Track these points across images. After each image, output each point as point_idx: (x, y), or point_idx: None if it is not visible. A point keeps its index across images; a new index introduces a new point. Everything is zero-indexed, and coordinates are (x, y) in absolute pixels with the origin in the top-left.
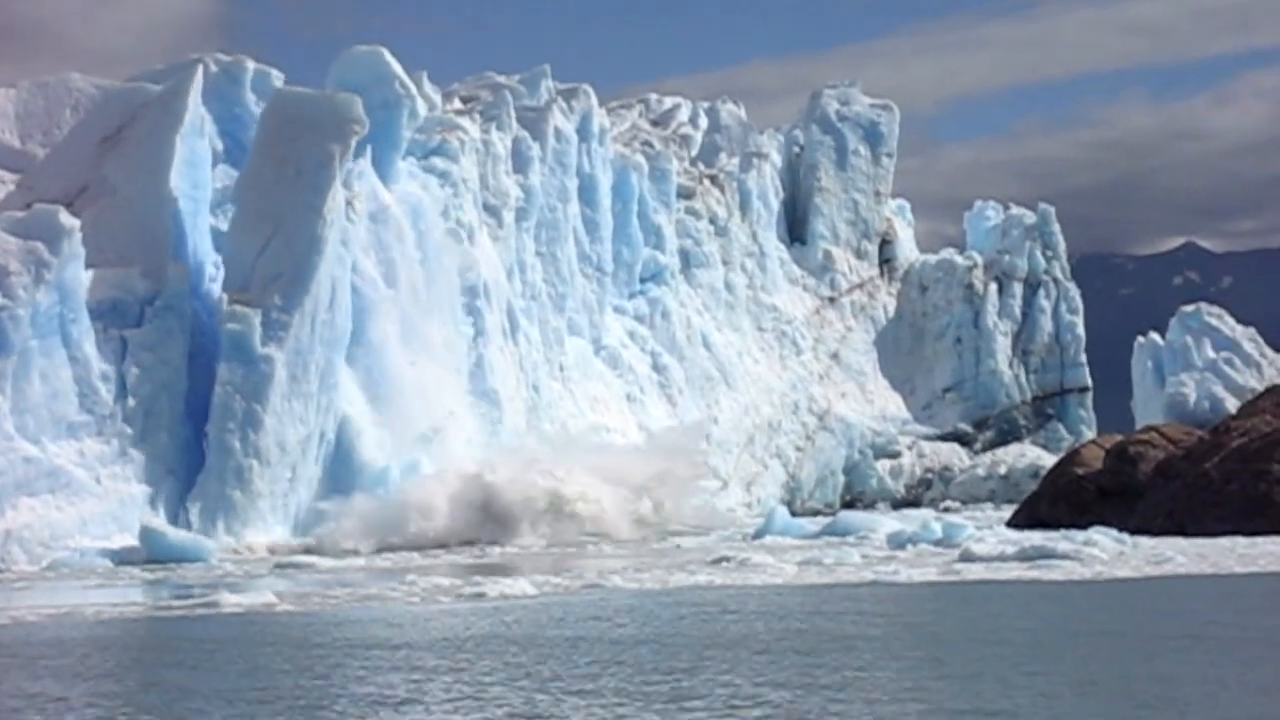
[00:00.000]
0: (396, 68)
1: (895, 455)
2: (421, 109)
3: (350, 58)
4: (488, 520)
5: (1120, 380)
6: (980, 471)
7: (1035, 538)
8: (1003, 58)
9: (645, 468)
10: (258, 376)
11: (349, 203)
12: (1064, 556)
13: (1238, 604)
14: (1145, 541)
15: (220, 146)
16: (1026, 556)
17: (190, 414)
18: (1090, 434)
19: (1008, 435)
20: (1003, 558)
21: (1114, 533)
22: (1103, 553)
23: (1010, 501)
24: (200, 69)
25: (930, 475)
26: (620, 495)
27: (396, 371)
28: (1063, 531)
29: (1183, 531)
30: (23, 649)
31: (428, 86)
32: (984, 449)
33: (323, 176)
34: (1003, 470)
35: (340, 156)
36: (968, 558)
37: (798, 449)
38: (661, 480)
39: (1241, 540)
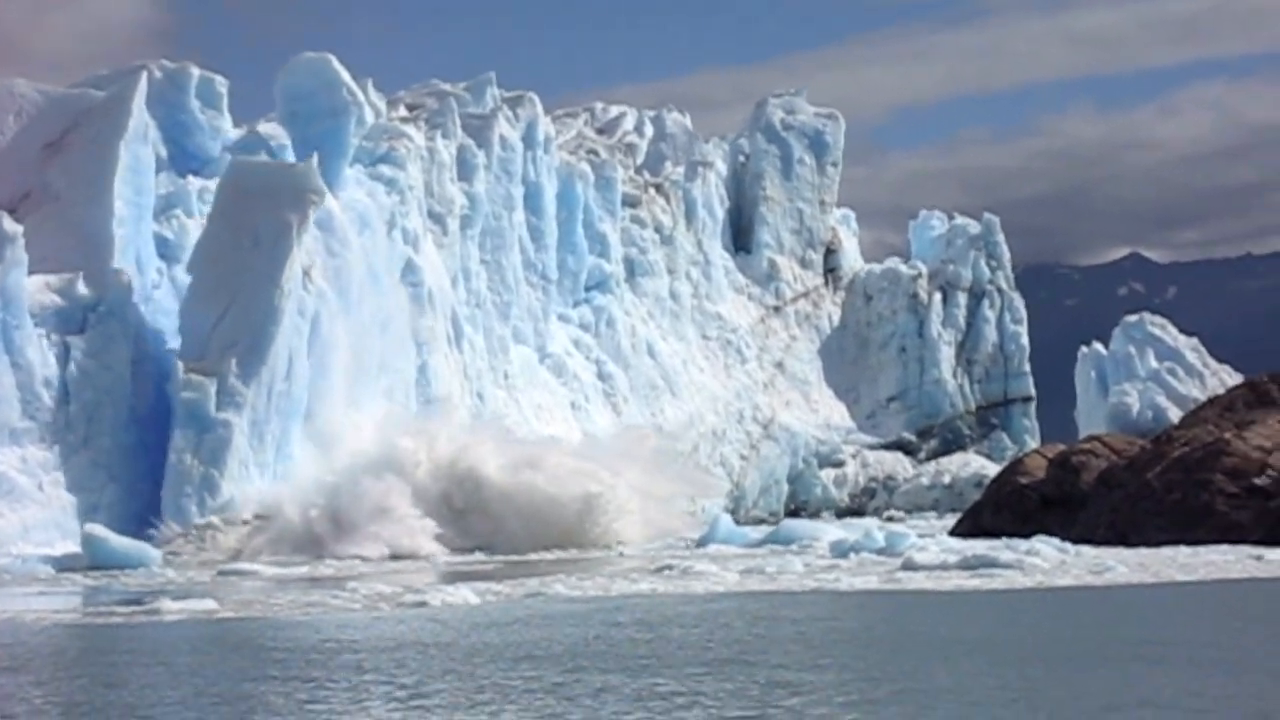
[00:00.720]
0: (344, 74)
1: (840, 464)
2: (369, 116)
3: (298, 64)
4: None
5: (1064, 390)
6: (925, 480)
7: (978, 547)
8: (950, 68)
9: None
10: (215, 442)
11: (306, 271)
12: (1006, 565)
13: (1170, 614)
14: (1088, 551)
15: (164, 153)
16: (968, 565)
17: (134, 420)
18: (1034, 443)
19: (952, 444)
20: (945, 566)
21: (1056, 542)
22: (1044, 562)
23: (954, 510)
24: (145, 75)
25: (874, 484)
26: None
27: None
28: (1005, 540)
29: (1125, 541)
30: None
31: (373, 94)
32: (928, 458)
33: (280, 246)
34: (947, 479)
35: (298, 226)
36: (910, 566)
37: (742, 457)
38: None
39: (1184, 549)
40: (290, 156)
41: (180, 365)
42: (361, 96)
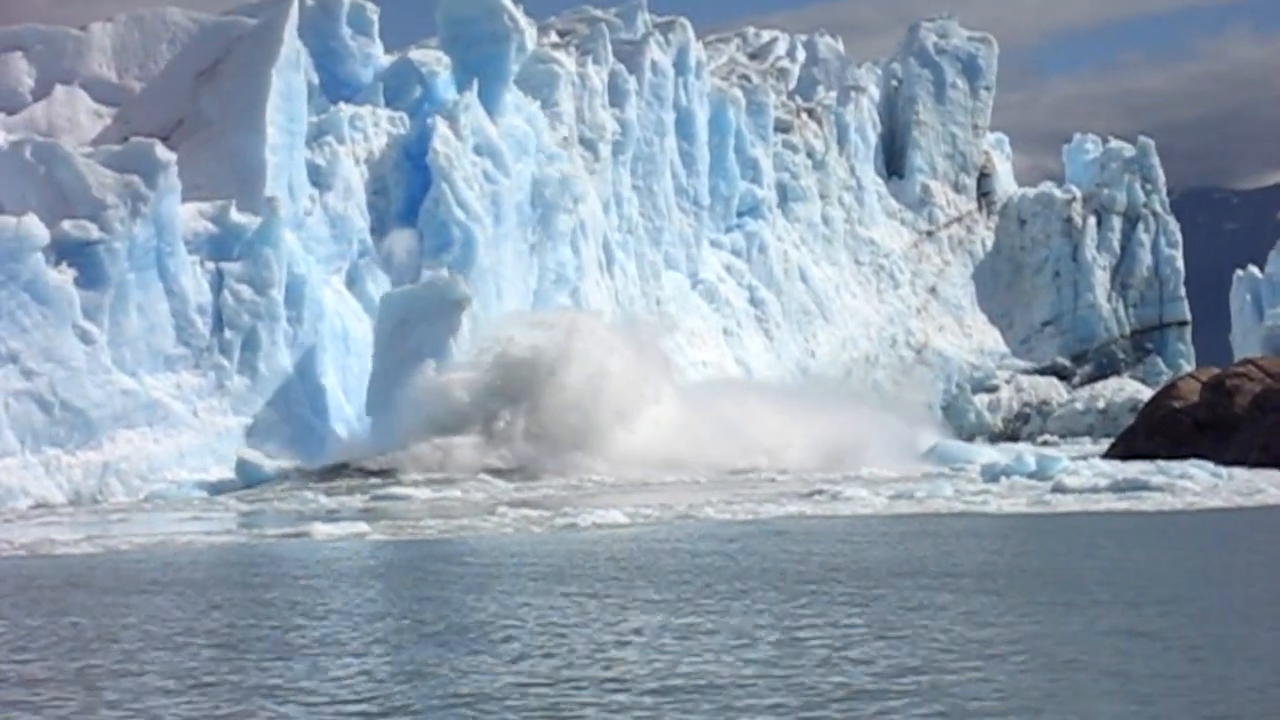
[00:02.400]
0: (506, 0)
1: (993, 389)
2: (529, 43)
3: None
4: None
5: (1222, 315)
6: (1078, 406)
7: (1129, 470)
8: None
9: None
10: None
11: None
12: (1156, 489)
13: None
14: (1240, 474)
15: (316, 80)
16: (1118, 489)
17: (288, 346)
18: (1189, 368)
19: (1106, 369)
20: (1095, 490)
21: (1210, 465)
22: (1196, 485)
23: (1108, 436)
24: (296, 3)
25: (1028, 410)
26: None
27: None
28: (1158, 464)
29: (1278, 465)
30: (128, 573)
31: (522, 20)
32: (1082, 383)
33: (442, 354)
34: (1101, 405)
35: (454, 334)
36: (1060, 489)
37: (895, 383)
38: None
39: None
40: (444, 85)
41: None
42: (522, 23)
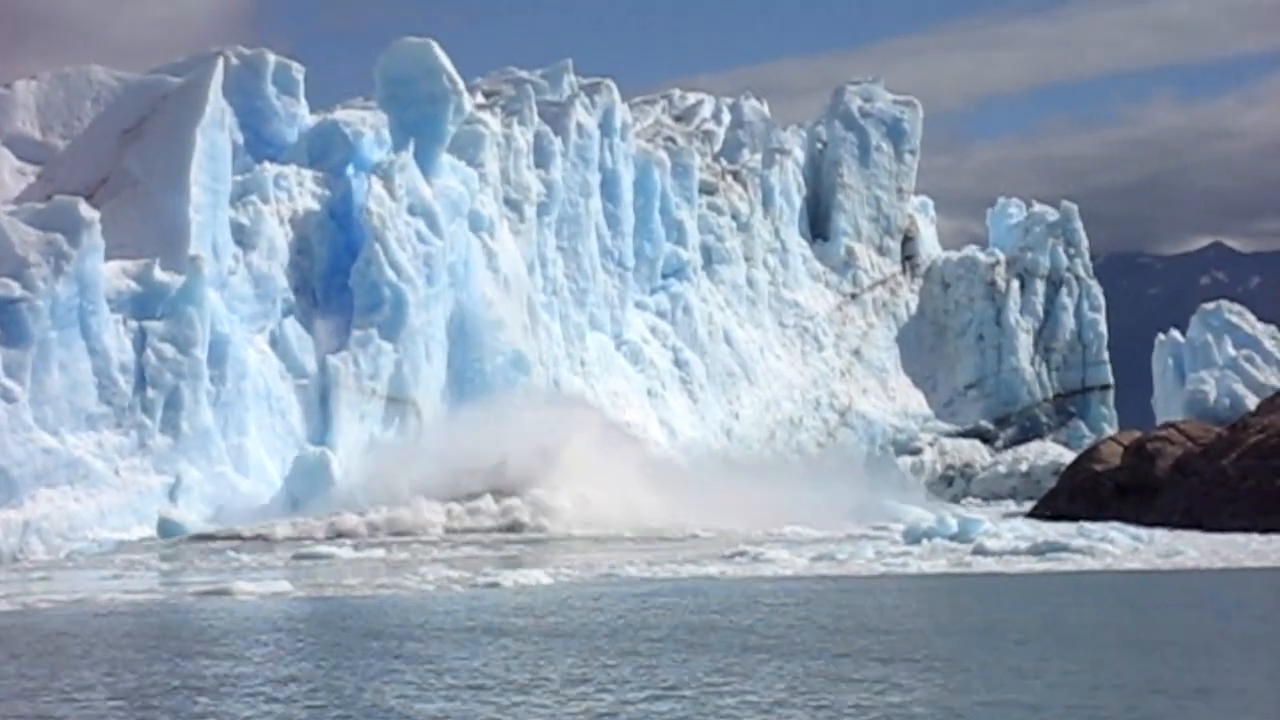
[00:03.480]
0: (445, 61)
1: (917, 452)
2: (467, 105)
3: (400, 49)
4: None
5: (1145, 379)
6: (1002, 469)
7: (1050, 532)
8: (1032, 56)
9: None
10: None
11: None
12: (1076, 551)
13: (1234, 597)
14: (1161, 536)
15: (241, 140)
16: (1039, 550)
17: (210, 405)
18: (1112, 431)
19: (1029, 432)
20: (1015, 552)
21: (1130, 528)
22: (1115, 547)
23: (1031, 499)
24: (221, 62)
25: (952, 472)
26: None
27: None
28: (1079, 526)
29: (1199, 527)
30: (34, 635)
31: (460, 82)
32: (1005, 446)
33: None
34: (1024, 468)
35: None
36: (981, 552)
37: (819, 445)
38: None
39: (1257, 536)
40: (369, 145)
41: None
42: (461, 85)
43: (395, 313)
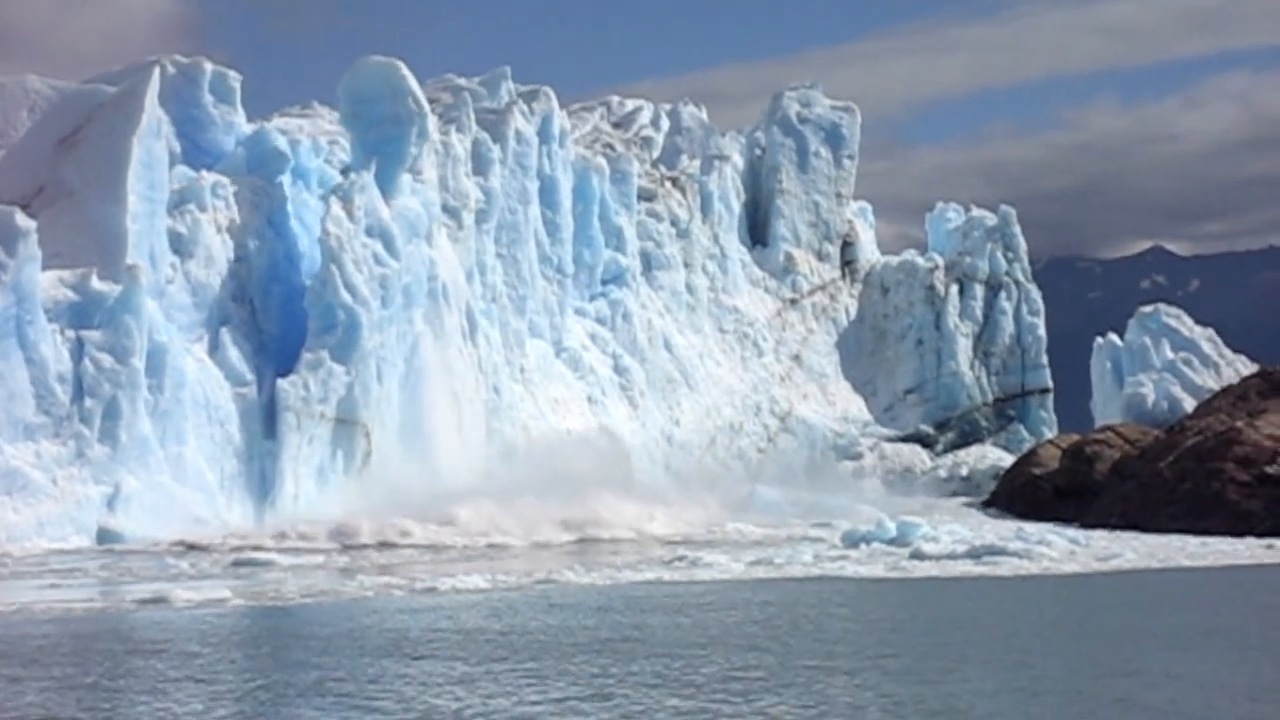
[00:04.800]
0: (412, 83)
1: (857, 457)
2: (431, 128)
3: (366, 67)
4: None
5: (1085, 382)
6: (942, 473)
7: (987, 536)
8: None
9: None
10: None
11: None
12: (1014, 554)
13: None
14: (1099, 539)
15: (178, 148)
16: (976, 554)
17: (149, 415)
18: (1051, 435)
19: (969, 437)
20: (953, 556)
21: (1068, 531)
22: (1053, 550)
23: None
24: (157, 71)
25: (892, 476)
26: None
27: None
28: (1017, 529)
29: (1137, 529)
30: None
31: (426, 104)
32: (945, 450)
33: None
34: (964, 472)
35: None
36: (918, 556)
37: (760, 450)
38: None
39: (1193, 538)
40: (305, 153)
41: None
42: (426, 107)
43: (348, 334)
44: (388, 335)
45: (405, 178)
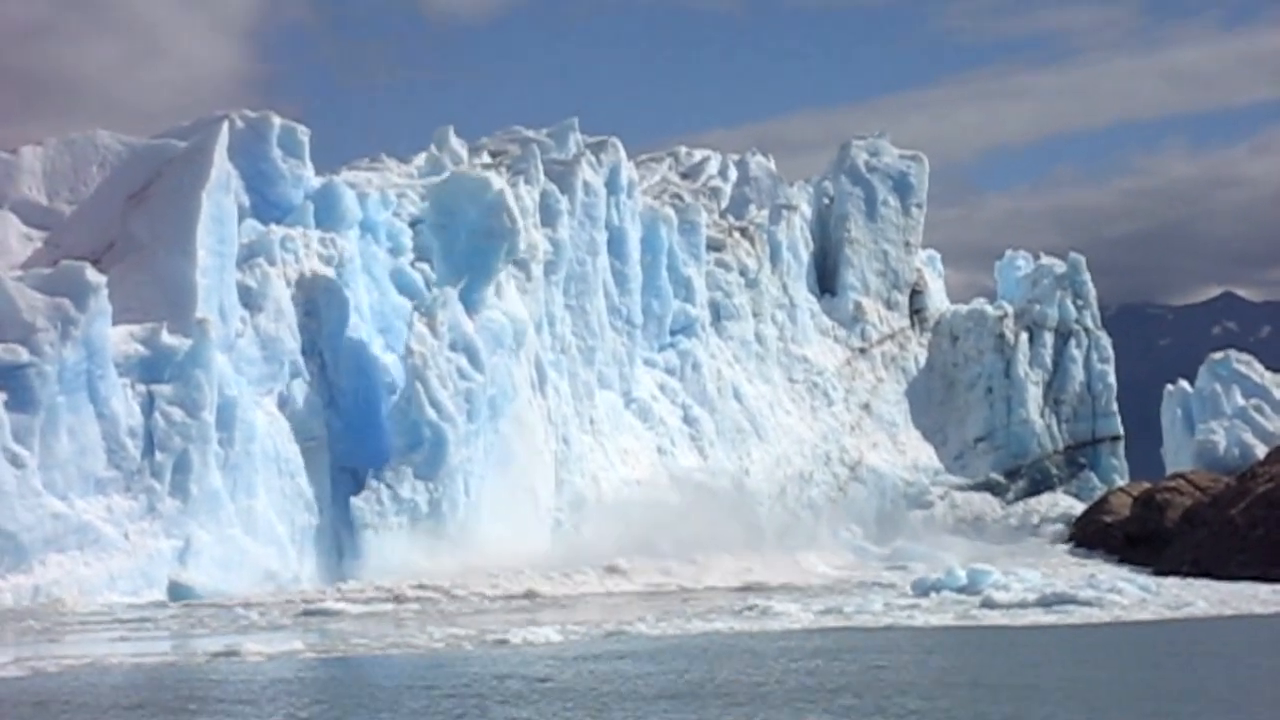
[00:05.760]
0: (508, 197)
1: (928, 505)
2: (522, 244)
3: (459, 181)
4: None
5: (1155, 429)
6: (1013, 521)
7: (1058, 584)
8: (1041, 107)
9: None
10: None
11: None
12: (1084, 603)
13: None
14: (1170, 586)
15: (247, 202)
16: (1046, 603)
17: (219, 468)
18: (1122, 482)
19: (1040, 484)
20: (1023, 604)
21: (1139, 578)
22: (1124, 599)
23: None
24: (226, 125)
25: (963, 525)
26: None
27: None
28: (1088, 577)
29: (1208, 577)
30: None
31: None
32: (1016, 498)
33: None
34: (1035, 520)
35: None
36: (989, 604)
37: (830, 500)
38: None
39: (1264, 586)
40: (374, 206)
41: None
42: (521, 222)
43: (434, 450)
44: (474, 449)
45: (490, 289)
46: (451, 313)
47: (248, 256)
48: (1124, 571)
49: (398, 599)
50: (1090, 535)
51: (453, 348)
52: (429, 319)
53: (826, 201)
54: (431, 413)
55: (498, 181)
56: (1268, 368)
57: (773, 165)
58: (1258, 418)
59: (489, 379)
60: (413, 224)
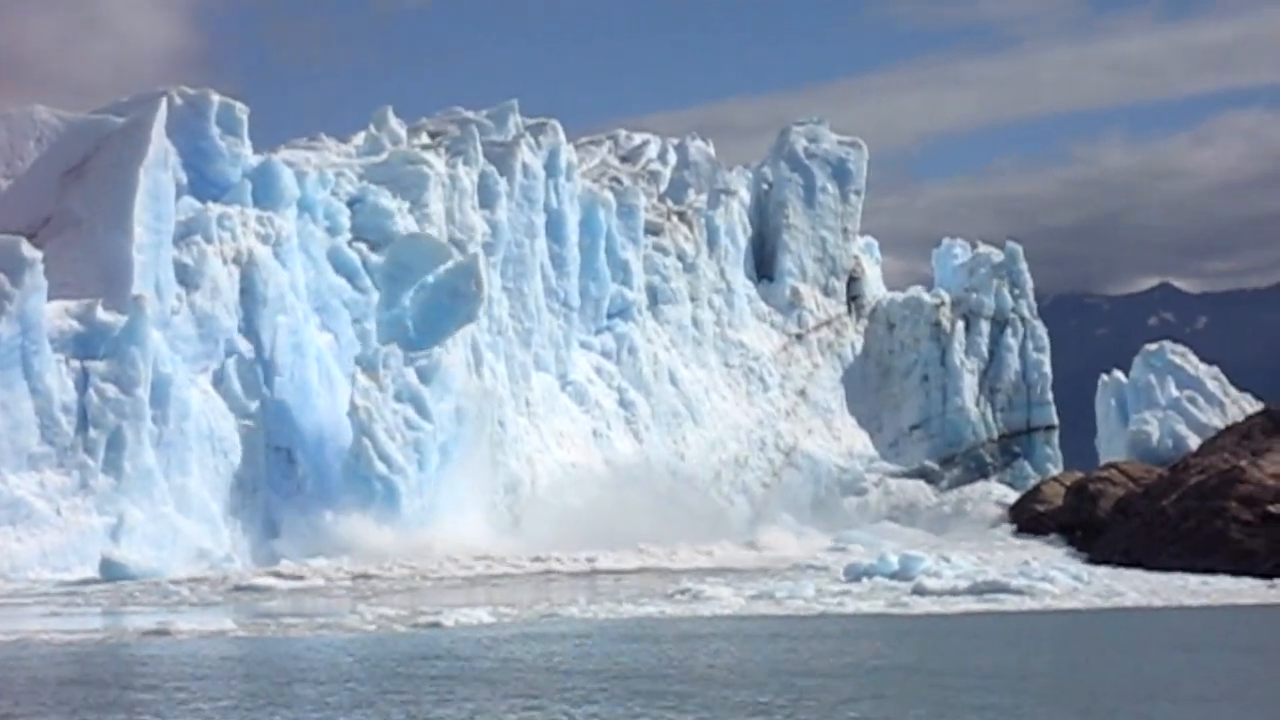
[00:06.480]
0: (480, 266)
1: (862, 492)
2: (482, 302)
3: (420, 242)
4: None
5: (1091, 419)
6: (946, 509)
7: (990, 572)
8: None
9: None
10: None
11: None
12: (1016, 591)
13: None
14: (1102, 575)
15: (184, 179)
16: (978, 591)
17: (153, 445)
18: (1056, 472)
19: (974, 473)
20: (954, 592)
21: (1071, 567)
22: (1055, 588)
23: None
24: (164, 102)
25: (897, 512)
26: None
27: None
28: (1020, 565)
29: (1140, 567)
30: None
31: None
32: (950, 486)
33: None
34: (969, 508)
35: None
36: (920, 591)
37: (764, 485)
38: None
39: (1194, 577)
40: (312, 185)
41: None
42: (486, 287)
43: (387, 499)
44: (427, 498)
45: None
46: (394, 368)
47: (185, 234)
48: (1064, 555)
49: (328, 578)
50: (1023, 524)
51: (398, 399)
52: (370, 373)
53: (765, 187)
54: (381, 466)
55: (473, 246)
56: (1203, 359)
57: (712, 150)
58: (1191, 409)
59: (438, 426)
60: (350, 203)
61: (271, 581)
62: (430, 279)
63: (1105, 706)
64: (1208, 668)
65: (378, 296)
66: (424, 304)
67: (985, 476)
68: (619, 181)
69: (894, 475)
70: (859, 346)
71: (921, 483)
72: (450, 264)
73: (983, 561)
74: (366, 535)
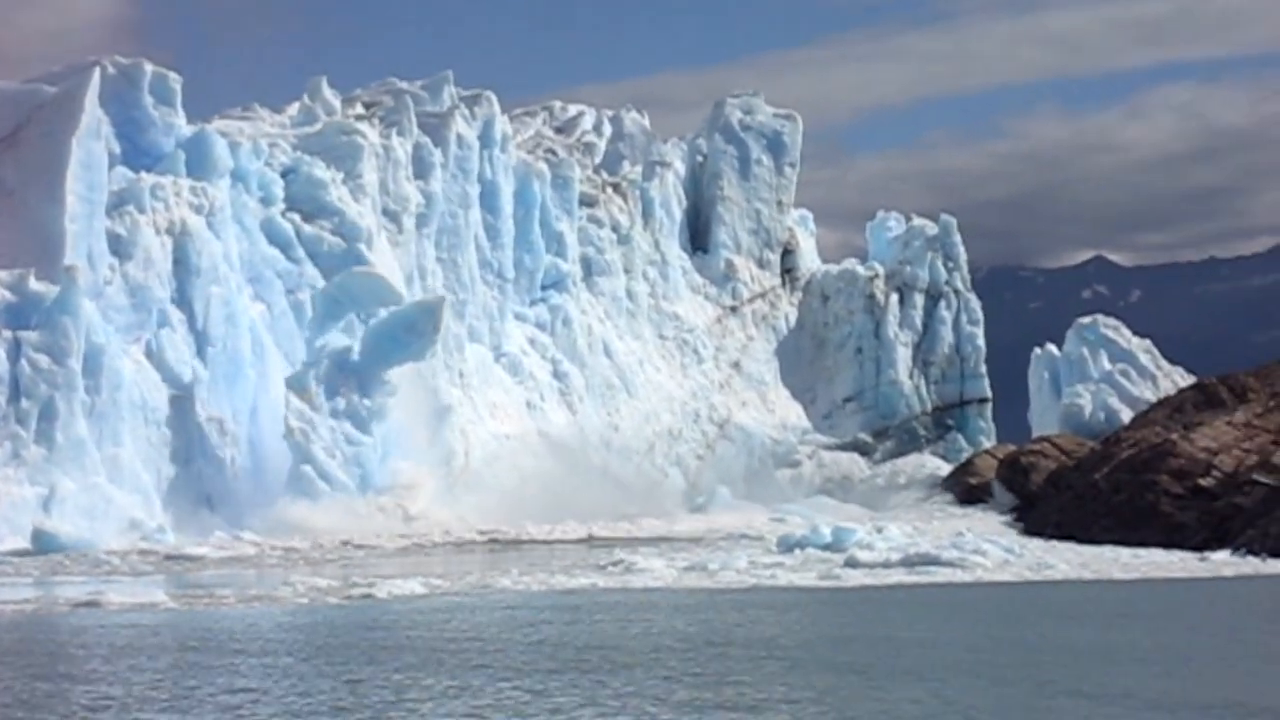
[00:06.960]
0: (445, 315)
1: (796, 464)
2: (436, 338)
3: (365, 278)
4: None
5: (1023, 392)
6: (880, 481)
7: (923, 544)
8: (917, 69)
9: None
10: None
11: None
12: (947, 563)
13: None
14: (1035, 548)
15: (117, 149)
16: (910, 563)
17: (86, 416)
18: (989, 445)
19: (908, 445)
20: (886, 564)
21: (1004, 540)
22: (987, 560)
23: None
24: (97, 71)
25: (830, 484)
26: None
27: None
28: (953, 538)
29: (1072, 540)
30: None
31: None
32: (884, 459)
33: None
34: (902, 480)
35: None
36: (852, 564)
37: (698, 457)
38: None
39: (1126, 551)
40: (246, 155)
41: None
42: (441, 325)
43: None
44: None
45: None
46: (326, 386)
47: (118, 204)
48: (1001, 524)
49: (259, 549)
50: (956, 497)
51: (334, 415)
52: (302, 392)
53: (700, 159)
54: (323, 486)
55: (408, 219)
56: (1136, 332)
57: (647, 122)
58: (1124, 382)
59: (378, 440)
60: (284, 174)
61: (203, 552)
62: (384, 311)
63: (1009, 675)
64: (1120, 638)
65: (311, 310)
66: (376, 331)
67: (918, 449)
68: (554, 153)
69: (828, 448)
70: (793, 319)
71: (855, 455)
72: (414, 300)
73: (918, 532)
74: (299, 510)
